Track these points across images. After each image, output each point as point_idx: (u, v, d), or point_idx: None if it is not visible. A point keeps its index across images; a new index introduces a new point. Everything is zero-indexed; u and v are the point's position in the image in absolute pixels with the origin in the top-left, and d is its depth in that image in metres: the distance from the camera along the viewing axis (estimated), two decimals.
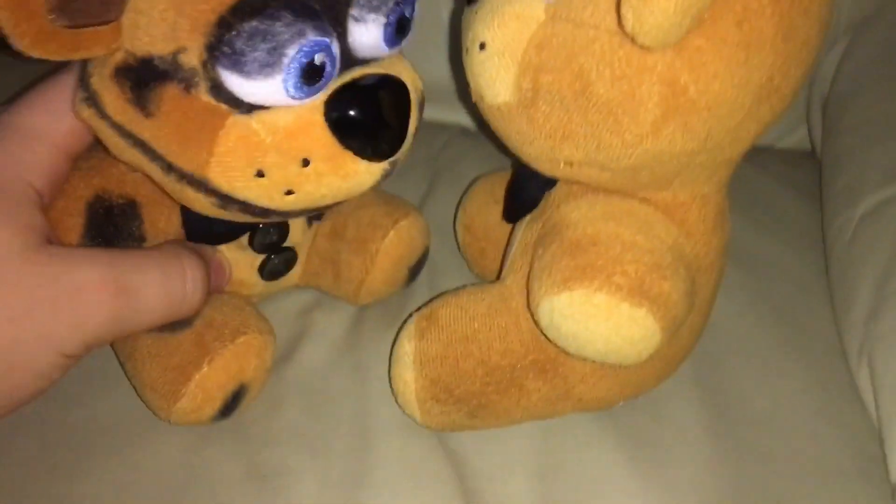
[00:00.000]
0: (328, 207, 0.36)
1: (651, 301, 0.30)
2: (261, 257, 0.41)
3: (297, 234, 0.42)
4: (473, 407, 0.38)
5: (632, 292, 0.30)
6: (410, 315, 0.39)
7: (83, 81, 0.32)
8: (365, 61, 0.33)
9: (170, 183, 0.33)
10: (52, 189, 0.34)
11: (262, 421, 0.39)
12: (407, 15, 0.34)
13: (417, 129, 0.36)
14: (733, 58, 0.28)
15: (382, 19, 0.32)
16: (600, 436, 0.39)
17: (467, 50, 0.33)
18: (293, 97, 0.30)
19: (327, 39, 0.30)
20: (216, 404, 0.37)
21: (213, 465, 0.38)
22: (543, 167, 0.34)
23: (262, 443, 0.39)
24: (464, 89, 0.35)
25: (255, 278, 0.42)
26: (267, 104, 0.31)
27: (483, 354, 0.37)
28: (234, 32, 0.28)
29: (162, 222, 0.37)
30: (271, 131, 0.31)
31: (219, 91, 0.30)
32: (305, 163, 0.31)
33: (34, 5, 0.27)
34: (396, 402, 0.39)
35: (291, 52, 0.29)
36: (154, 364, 0.36)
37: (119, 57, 0.31)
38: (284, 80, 0.29)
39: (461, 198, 0.48)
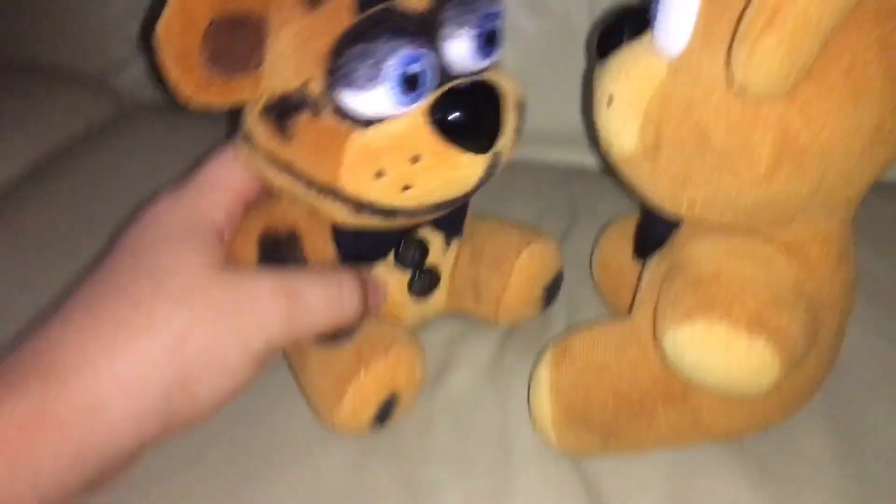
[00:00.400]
0: (447, 205, 0.40)
1: (769, 334, 0.32)
2: (408, 275, 0.46)
3: (437, 253, 0.47)
4: (606, 434, 0.40)
5: (750, 325, 0.32)
6: (547, 345, 0.43)
7: (240, 127, 0.39)
8: (462, 75, 0.38)
9: (312, 197, 0.38)
10: (230, 227, 0.40)
11: (416, 440, 0.44)
12: (494, 29, 0.38)
13: (519, 127, 0.40)
14: (842, 106, 0.30)
15: (471, 32, 0.37)
16: (730, 466, 0.41)
17: (597, 103, 0.37)
18: (398, 104, 0.36)
19: (420, 53, 0.35)
20: (371, 410, 0.42)
21: (372, 478, 0.42)
22: (668, 208, 0.37)
23: (415, 459, 0.43)
24: (595, 138, 0.38)
25: (405, 297, 0.47)
26: (379, 116, 0.36)
27: (614, 384, 0.39)
28: (343, 57, 0.35)
29: (319, 247, 0.43)
30: (385, 137, 0.36)
31: (340, 112, 0.36)
32: (416, 159, 0.36)
33: (193, 59, 0.34)
34: (534, 426, 0.42)
35: (390, 64, 0.34)
36: (321, 373, 0.42)
37: (264, 99, 0.37)
38: (388, 89, 0.35)
39: (597, 238, 0.51)
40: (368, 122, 0.36)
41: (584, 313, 0.50)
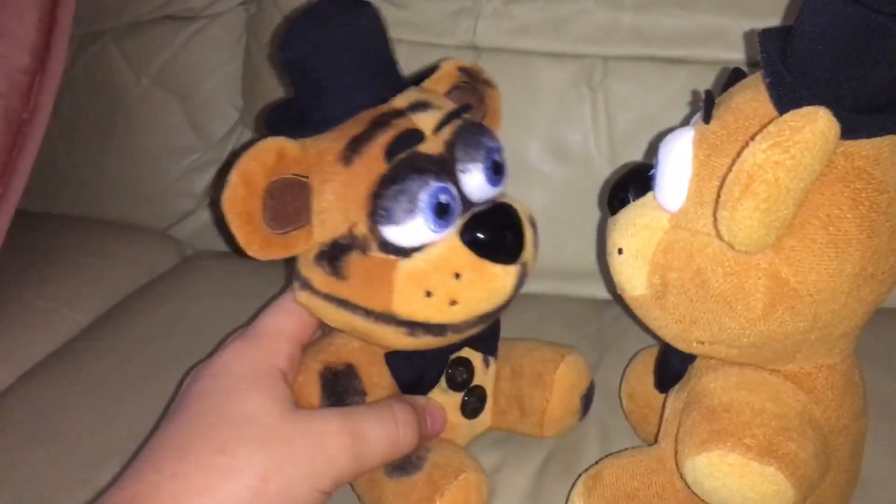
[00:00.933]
0: (488, 317, 0.44)
1: (779, 460, 0.35)
2: (459, 397, 0.50)
3: (480, 373, 0.51)
4: None
5: (761, 452, 0.35)
6: (580, 475, 0.45)
7: (297, 275, 0.45)
8: (481, 202, 0.44)
9: (371, 327, 0.43)
10: (292, 370, 0.45)
11: None
12: (497, 160, 0.44)
13: (536, 241, 0.46)
14: (824, 254, 0.34)
15: (480, 165, 0.43)
16: None
17: (609, 253, 0.41)
18: (433, 230, 0.41)
19: (445, 185, 0.41)
20: None
21: None
22: (680, 346, 0.40)
23: None
24: (611, 281, 0.43)
25: (459, 418, 0.51)
26: (418, 244, 0.41)
27: None
28: (382, 198, 0.40)
29: (375, 377, 0.47)
30: (428, 261, 0.41)
31: (385, 246, 0.41)
32: (457, 276, 0.41)
33: (257, 221, 0.40)
34: None
35: (423, 196, 0.40)
36: (396, 499, 0.45)
37: (316, 248, 0.43)
38: (423, 220, 0.40)
39: (624, 369, 0.54)
40: (410, 251, 0.41)
41: (616, 442, 0.52)
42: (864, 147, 0.34)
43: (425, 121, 0.43)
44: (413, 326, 0.42)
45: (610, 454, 0.46)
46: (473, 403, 0.51)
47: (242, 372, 0.42)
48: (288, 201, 0.41)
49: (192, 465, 0.37)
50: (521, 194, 0.70)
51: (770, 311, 0.35)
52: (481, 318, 0.44)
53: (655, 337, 0.55)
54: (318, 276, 0.43)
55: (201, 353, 0.63)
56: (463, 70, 0.51)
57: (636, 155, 0.68)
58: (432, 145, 0.42)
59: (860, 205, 0.34)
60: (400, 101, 0.44)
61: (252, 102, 0.83)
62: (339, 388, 0.46)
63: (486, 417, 0.53)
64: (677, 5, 0.65)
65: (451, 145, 0.43)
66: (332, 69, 0.42)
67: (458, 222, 0.42)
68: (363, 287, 0.42)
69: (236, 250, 0.40)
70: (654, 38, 0.67)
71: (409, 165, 0.41)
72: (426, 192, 0.40)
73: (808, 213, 0.34)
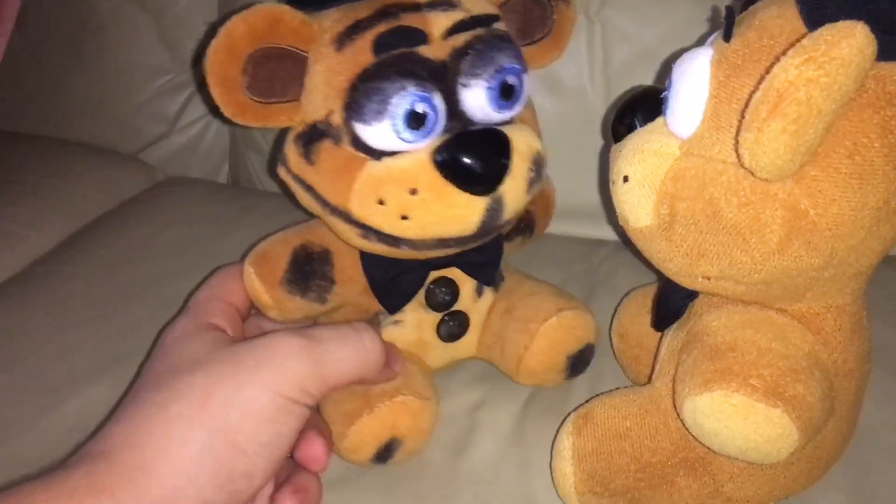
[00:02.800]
0: (451, 244, 0.42)
1: (786, 402, 0.33)
2: (438, 317, 0.48)
3: (468, 299, 0.49)
4: (628, 501, 0.41)
5: (767, 394, 0.34)
6: (569, 413, 0.44)
7: (280, 152, 0.44)
8: (481, 124, 0.41)
9: (327, 217, 0.42)
10: (233, 325, 0.43)
11: None
12: (510, 82, 0.41)
13: (532, 180, 0.42)
14: (847, 185, 0.32)
15: (485, 83, 0.40)
16: None
17: (613, 182, 0.39)
18: (403, 139, 0.39)
19: (427, 94, 0.39)
20: (371, 450, 0.44)
21: None
22: (684, 282, 0.38)
23: None
24: (612, 213, 0.40)
25: (434, 338, 0.49)
26: (387, 148, 0.39)
27: (635, 451, 0.40)
28: (358, 92, 0.39)
29: (349, 269, 0.46)
30: (389, 169, 0.39)
31: (357, 142, 0.40)
32: (413, 192, 0.39)
33: (234, 83, 0.39)
34: (557, 493, 0.43)
35: (395, 100, 0.38)
36: (333, 406, 0.44)
37: (299, 126, 0.42)
38: (392, 124, 0.38)
39: (616, 308, 0.53)
40: (381, 154, 0.40)
41: (605, 383, 0.51)
42: None
43: (438, 21, 0.40)
44: (366, 229, 0.41)
45: (600, 393, 0.44)
46: (452, 328, 0.49)
47: (178, 335, 0.41)
48: (276, 71, 0.40)
49: (134, 409, 0.36)
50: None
51: (785, 244, 0.33)
52: (441, 243, 0.42)
53: (650, 274, 0.53)
54: (292, 155, 0.43)
55: (169, 280, 0.61)
56: None
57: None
58: (435, 49, 0.39)
59: (890, 133, 0.32)
60: None
61: None
62: (308, 268, 0.45)
63: (468, 345, 0.51)
64: None
65: (457, 53, 0.40)
66: None
67: (440, 138, 0.40)
68: (327, 177, 0.41)
69: (217, 113, 0.40)
70: None
71: (393, 64, 0.39)
72: (400, 96, 0.38)
73: (834, 140, 0.32)
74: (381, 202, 0.40)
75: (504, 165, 0.40)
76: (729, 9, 0.35)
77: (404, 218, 0.40)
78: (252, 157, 0.80)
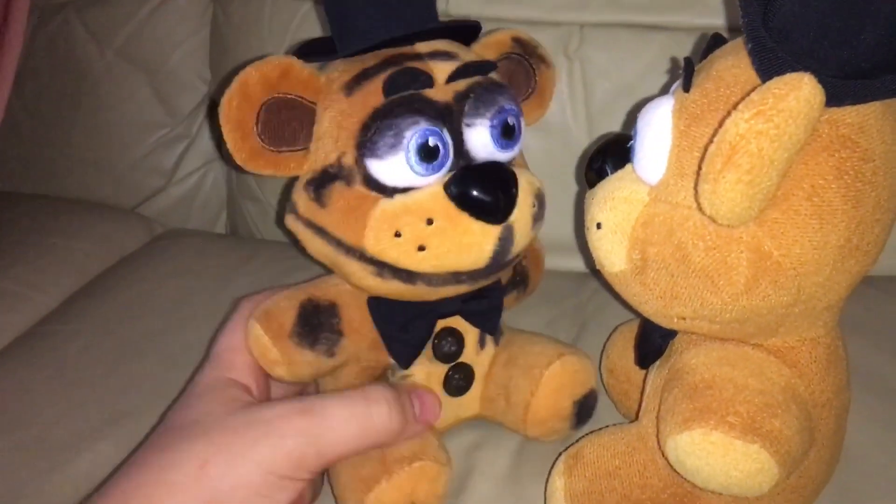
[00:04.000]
0: (464, 278, 0.43)
1: (763, 437, 0.34)
2: (444, 370, 0.48)
3: (472, 351, 0.49)
4: None
5: (744, 430, 0.34)
6: (561, 453, 0.45)
7: (288, 201, 0.45)
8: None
9: (341, 259, 0.43)
10: (256, 379, 0.44)
11: None
12: (510, 122, 0.43)
13: (536, 215, 0.44)
14: (808, 226, 0.33)
15: (487, 122, 0.42)
16: None
17: (588, 228, 0.40)
18: (417, 172, 0.40)
19: (437, 129, 0.40)
20: None
21: None
22: (661, 322, 0.39)
23: None
24: (590, 257, 0.41)
25: (441, 394, 0.49)
26: (402, 185, 0.41)
27: (625, 489, 0.41)
28: (371, 130, 0.40)
29: (356, 322, 0.46)
30: (406, 203, 0.41)
31: (369, 181, 0.41)
32: (430, 221, 0.40)
33: (247, 130, 0.40)
34: None
35: (408, 134, 0.40)
36: (347, 473, 0.44)
37: (308, 174, 0.43)
38: (406, 157, 0.40)
39: (604, 344, 0.53)
40: (393, 192, 0.41)
41: (599, 419, 0.51)
42: (849, 114, 0.33)
43: (440, 68, 0.42)
44: (381, 266, 0.42)
45: (591, 432, 0.45)
46: (458, 381, 0.49)
47: (200, 389, 0.42)
48: (287, 120, 0.42)
49: (137, 468, 0.39)
50: None
51: (753, 285, 0.34)
52: (455, 277, 0.43)
53: (636, 312, 0.54)
54: (302, 201, 0.44)
55: (171, 334, 0.62)
56: (517, 40, 0.49)
57: (614, 124, 0.67)
58: (440, 93, 0.42)
59: (845, 174, 0.33)
60: (424, 47, 0.43)
61: (220, 75, 0.81)
62: (315, 321, 0.45)
63: (472, 401, 0.51)
64: None
65: (460, 96, 0.42)
66: (360, 4, 0.42)
67: (447, 174, 0.41)
68: (340, 217, 0.42)
69: (228, 160, 0.42)
70: (630, 5, 0.66)
71: (404, 103, 0.41)
72: (413, 130, 0.40)
73: (792, 183, 0.33)
74: (397, 234, 0.41)
75: (513, 195, 0.42)
76: (688, 60, 0.36)
77: (421, 249, 0.41)
78: (249, 207, 0.82)
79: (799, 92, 0.29)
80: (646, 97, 0.63)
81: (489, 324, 0.50)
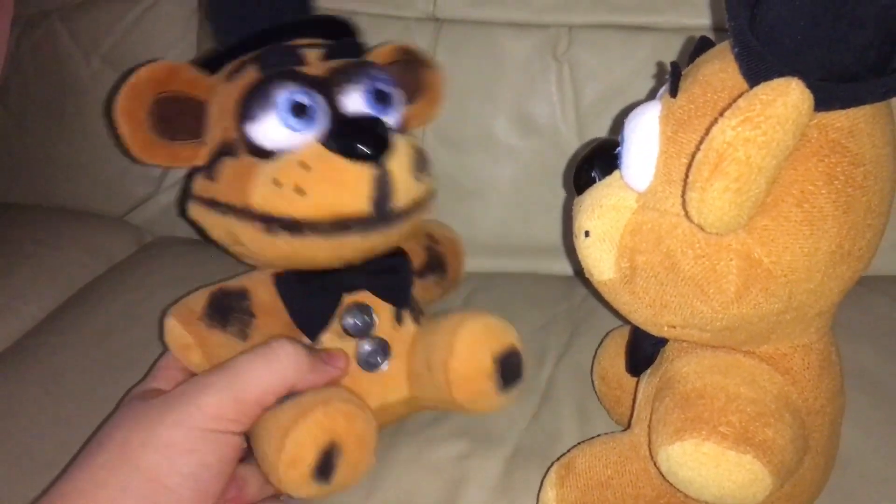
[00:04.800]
0: (348, 224, 0.44)
1: (756, 447, 0.34)
2: (355, 344, 0.49)
3: (387, 326, 0.51)
4: None
5: (737, 440, 0.34)
6: (553, 463, 0.44)
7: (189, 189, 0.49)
8: None
9: (233, 224, 0.46)
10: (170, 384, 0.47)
11: None
12: (381, 87, 0.47)
13: (417, 166, 0.46)
14: (799, 232, 0.33)
15: (361, 88, 0.46)
16: None
17: (576, 236, 0.39)
18: (290, 127, 0.44)
19: (308, 91, 0.44)
20: (311, 459, 0.43)
21: None
22: (651, 330, 0.39)
23: None
24: (579, 264, 0.41)
25: (356, 369, 0.49)
26: (279, 146, 0.44)
27: (617, 499, 0.41)
28: (245, 99, 0.44)
29: (266, 304, 0.48)
30: (283, 157, 0.44)
31: (252, 147, 0.45)
32: (305, 166, 0.43)
33: (139, 123, 0.44)
34: None
35: (279, 93, 0.44)
36: (269, 426, 0.44)
37: (203, 160, 0.47)
38: (279, 115, 0.44)
39: (596, 350, 0.53)
40: (274, 154, 0.44)
41: (593, 426, 0.51)
42: (839, 119, 0.33)
43: (314, 53, 0.48)
44: (268, 221, 0.44)
45: (582, 441, 0.44)
46: (371, 355, 0.50)
47: (125, 403, 0.45)
48: (179, 115, 0.46)
49: (69, 471, 0.41)
50: (488, 168, 0.69)
51: (743, 293, 0.34)
52: (341, 225, 0.44)
53: (626, 319, 0.53)
54: (198, 184, 0.48)
55: (159, 344, 0.61)
56: (401, 50, 0.54)
57: (603, 126, 0.67)
58: (314, 69, 0.46)
59: (835, 179, 0.32)
60: (301, 41, 0.49)
61: None
62: (226, 305, 0.48)
63: (398, 381, 0.51)
64: None
65: (333, 70, 0.46)
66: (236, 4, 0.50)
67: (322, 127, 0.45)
68: (228, 184, 0.46)
69: (126, 153, 0.45)
70: (618, 6, 0.65)
71: (276, 75, 0.45)
72: (283, 90, 0.44)
73: (782, 190, 0.32)
74: (276, 182, 0.43)
75: (383, 138, 0.44)
76: (674, 65, 0.36)
77: (300, 192, 0.43)
78: None
79: (787, 97, 0.29)
80: (634, 101, 0.63)
81: (397, 297, 0.51)
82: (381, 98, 0.47)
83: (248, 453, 0.47)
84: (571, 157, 0.67)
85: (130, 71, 0.44)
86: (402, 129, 0.50)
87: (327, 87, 0.46)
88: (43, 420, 0.56)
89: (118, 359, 0.62)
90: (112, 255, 0.78)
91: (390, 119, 0.48)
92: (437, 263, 0.58)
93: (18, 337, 0.67)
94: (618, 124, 0.39)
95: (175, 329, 0.47)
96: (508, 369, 0.50)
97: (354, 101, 0.46)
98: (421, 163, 0.47)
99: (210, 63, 0.49)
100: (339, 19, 0.53)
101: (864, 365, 0.51)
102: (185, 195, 0.50)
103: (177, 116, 0.46)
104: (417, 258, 0.56)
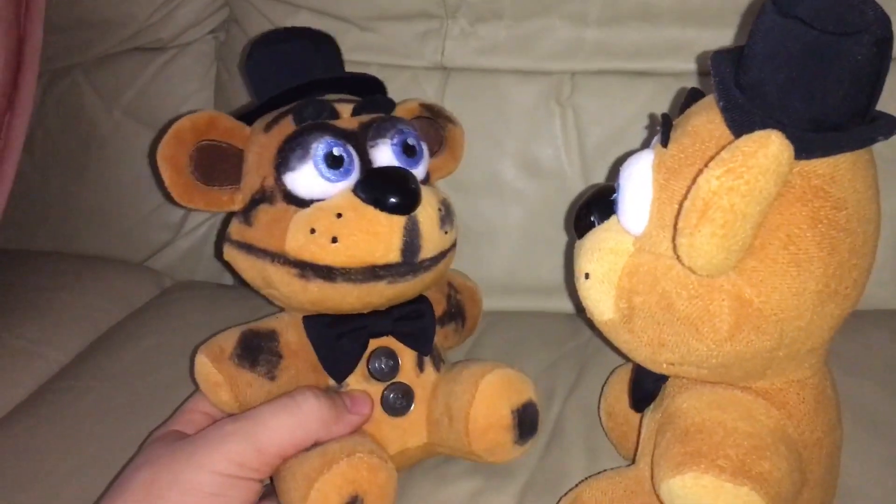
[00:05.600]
0: (379, 272, 0.46)
1: (753, 479, 0.35)
2: (381, 388, 0.51)
3: (410, 372, 0.52)
4: None
5: (734, 473, 0.35)
6: (560, 499, 0.45)
7: (225, 237, 0.52)
8: None
9: (267, 268, 0.48)
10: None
11: None
12: (409, 142, 0.50)
13: (444, 219, 0.49)
14: (786, 273, 0.34)
15: (389, 142, 0.49)
16: None
17: (577, 278, 0.41)
18: (326, 178, 0.46)
19: (342, 143, 0.47)
20: None
21: None
22: (651, 367, 0.40)
23: None
24: (581, 305, 0.43)
25: (381, 414, 0.51)
26: (314, 195, 0.47)
27: None
28: (283, 150, 0.47)
29: (293, 345, 0.50)
30: (318, 205, 0.46)
31: (288, 196, 0.47)
32: (339, 215, 0.45)
33: (181, 168, 0.47)
34: None
35: (315, 145, 0.46)
36: (290, 474, 0.45)
37: (239, 206, 0.50)
38: (315, 165, 0.46)
39: (602, 387, 0.54)
40: (309, 202, 0.47)
41: (600, 461, 0.52)
42: (821, 166, 0.34)
43: (346, 107, 0.50)
44: (302, 267, 0.46)
45: (589, 476, 0.46)
46: (395, 399, 0.51)
47: (147, 442, 0.49)
48: (217, 161, 0.49)
49: None
50: (496, 211, 0.71)
51: (736, 331, 0.36)
52: (373, 272, 0.46)
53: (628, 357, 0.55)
54: (234, 228, 0.50)
55: (181, 388, 0.63)
56: (424, 106, 0.56)
57: (607, 168, 0.69)
58: (345, 122, 0.49)
59: (819, 223, 0.34)
60: (333, 96, 0.51)
61: None
62: (254, 345, 0.49)
63: (418, 426, 0.52)
64: (639, 19, 0.66)
65: (364, 125, 0.49)
66: (274, 63, 0.53)
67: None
68: (264, 230, 0.48)
69: (168, 197, 0.48)
70: (618, 52, 0.67)
71: (311, 126, 0.47)
72: (319, 142, 0.46)
73: (768, 233, 0.34)
74: (312, 231, 0.45)
75: (413, 189, 0.47)
76: (665, 116, 0.38)
77: (334, 241, 0.45)
78: None
79: (767, 149, 0.31)
80: (637, 143, 0.65)
81: (421, 344, 0.53)
82: (409, 151, 0.49)
83: (270, 488, 0.48)
84: (574, 200, 0.69)
85: (174, 120, 0.47)
86: (427, 181, 0.52)
87: (359, 140, 0.48)
88: (64, 465, 0.57)
89: (140, 403, 0.63)
90: (133, 299, 0.81)
91: (417, 171, 0.50)
92: (456, 311, 0.60)
93: (41, 382, 0.69)
94: (617, 170, 0.42)
95: (205, 366, 0.48)
96: (526, 422, 0.51)
97: (384, 154, 0.49)
98: (447, 215, 0.49)
99: (247, 115, 0.52)
100: (368, 77, 0.56)
101: (864, 399, 0.52)
102: (221, 238, 0.52)
103: (215, 164, 0.49)
104: (439, 306, 0.57)
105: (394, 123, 0.50)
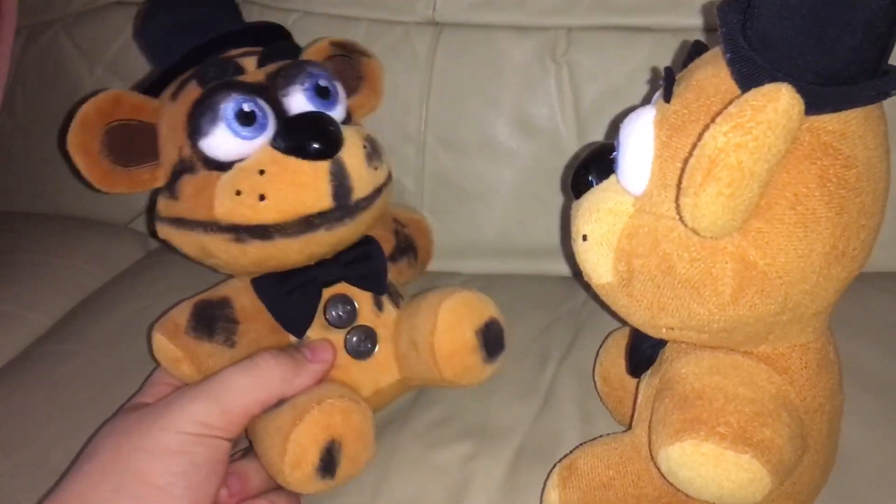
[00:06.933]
0: (314, 221, 0.45)
1: (754, 447, 0.34)
2: (343, 334, 0.51)
3: (370, 314, 0.52)
4: None
5: (735, 440, 0.34)
6: (555, 465, 0.44)
7: (155, 211, 0.50)
8: None
9: (202, 239, 0.47)
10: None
11: None
12: (322, 83, 0.48)
13: (370, 155, 0.47)
14: (793, 234, 0.33)
15: (300, 87, 0.47)
16: None
17: (574, 240, 0.40)
18: (241, 136, 0.45)
19: (252, 98, 0.45)
20: (313, 458, 0.44)
21: None
22: (650, 332, 0.39)
23: None
24: (577, 267, 0.41)
25: (346, 358, 0.51)
26: (233, 156, 0.45)
27: (619, 500, 0.41)
28: (193, 116, 0.46)
29: (249, 308, 0.50)
30: (239, 166, 0.45)
31: (207, 161, 0.46)
32: (262, 172, 0.44)
33: (94, 155, 0.46)
34: None
35: (222, 106, 0.45)
36: (264, 434, 0.45)
37: (163, 181, 0.48)
38: (227, 126, 0.45)
39: (598, 351, 0.53)
40: (230, 164, 0.46)
41: (596, 426, 0.52)
42: (831, 122, 0.33)
43: (250, 60, 0.49)
44: (236, 231, 0.45)
45: (584, 442, 0.45)
46: (360, 343, 0.51)
47: (115, 417, 0.47)
48: (131, 141, 0.47)
49: (64, 481, 0.43)
50: (489, 171, 0.69)
51: (739, 295, 0.34)
52: (307, 222, 0.45)
53: (625, 321, 0.54)
54: (162, 204, 0.49)
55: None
56: (336, 44, 0.56)
57: (603, 128, 0.67)
58: (251, 76, 0.48)
59: (828, 182, 0.33)
60: (235, 52, 0.50)
61: None
62: (209, 315, 0.49)
63: (387, 365, 0.52)
64: None
65: (271, 75, 0.48)
66: (165, 25, 0.51)
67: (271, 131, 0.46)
68: (191, 201, 0.47)
69: (88, 186, 0.47)
70: (616, 7, 0.65)
71: (217, 87, 0.46)
72: (227, 102, 0.45)
73: (775, 192, 0.33)
74: (238, 192, 0.44)
75: (333, 132, 0.46)
76: (668, 70, 0.36)
77: (262, 198, 0.44)
78: None
79: (777, 103, 0.29)
80: (634, 102, 0.63)
81: (374, 284, 0.52)
82: (322, 94, 0.48)
83: (249, 448, 0.48)
84: (570, 159, 0.67)
85: (79, 104, 0.46)
86: (350, 120, 0.51)
87: (269, 92, 0.47)
88: (49, 429, 0.57)
89: (125, 367, 0.62)
90: (118, 262, 0.79)
91: (335, 113, 0.49)
92: (406, 246, 0.60)
93: (26, 345, 0.68)
94: (615, 128, 0.40)
95: (162, 344, 0.48)
96: (491, 341, 0.51)
97: (297, 101, 0.47)
98: (374, 150, 0.48)
99: (153, 87, 0.50)
100: (269, 25, 0.55)
101: (864, 362, 0.52)
102: (152, 217, 0.51)
103: (130, 143, 0.47)
104: (388, 243, 0.57)
105: (302, 68, 0.48)
